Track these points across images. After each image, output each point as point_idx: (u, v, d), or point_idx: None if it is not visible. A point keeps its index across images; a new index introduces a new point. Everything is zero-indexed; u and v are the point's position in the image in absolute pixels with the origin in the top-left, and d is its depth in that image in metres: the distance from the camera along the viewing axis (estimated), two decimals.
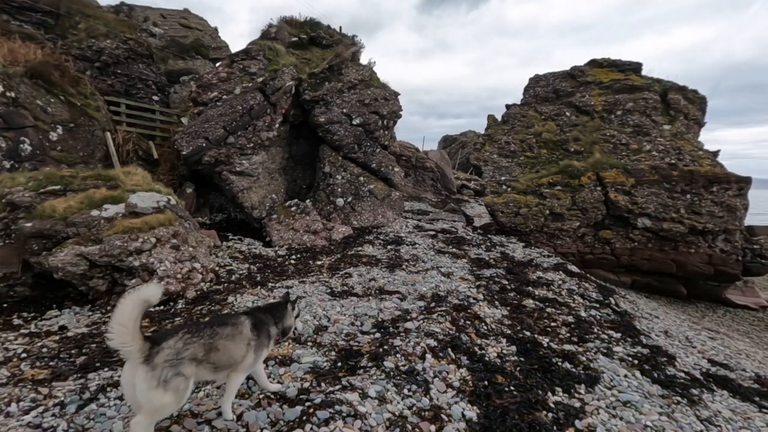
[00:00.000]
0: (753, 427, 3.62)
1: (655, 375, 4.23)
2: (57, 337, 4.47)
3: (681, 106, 13.32)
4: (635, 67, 14.66)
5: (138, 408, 2.23)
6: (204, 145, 9.21)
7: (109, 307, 5.36)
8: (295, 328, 3.46)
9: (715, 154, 12.70)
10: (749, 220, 12.07)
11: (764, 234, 16.26)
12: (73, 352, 4.03)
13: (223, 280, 6.50)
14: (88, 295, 5.50)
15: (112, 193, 6.13)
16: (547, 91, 15.15)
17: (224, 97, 9.84)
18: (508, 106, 15.93)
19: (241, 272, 7.00)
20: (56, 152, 8.80)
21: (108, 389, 3.17)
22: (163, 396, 2.18)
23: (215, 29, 22.20)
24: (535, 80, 15.77)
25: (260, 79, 10.13)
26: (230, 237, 9.44)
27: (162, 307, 5.30)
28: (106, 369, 3.60)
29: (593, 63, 15.23)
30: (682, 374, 4.44)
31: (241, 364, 2.60)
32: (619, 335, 5.26)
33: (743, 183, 11.18)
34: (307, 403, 2.89)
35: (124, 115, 11.33)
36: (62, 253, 5.25)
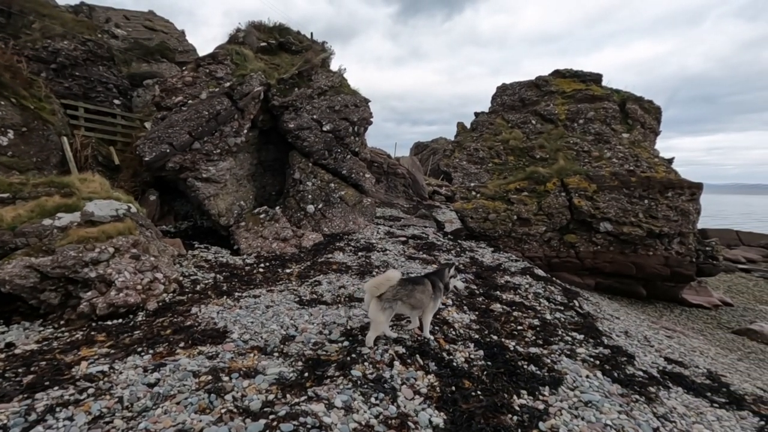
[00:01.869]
0: (705, 421, 3.81)
1: (616, 374, 4.38)
2: (2, 355, 4.18)
3: (638, 115, 13.98)
4: (596, 78, 15.30)
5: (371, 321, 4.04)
6: (168, 150, 8.93)
7: (62, 322, 5.08)
8: (455, 286, 4.90)
9: (670, 161, 13.39)
10: (702, 224, 12.76)
11: (716, 236, 17.25)
12: (20, 370, 3.78)
13: (187, 290, 6.28)
14: (39, 309, 5.19)
15: (66, 201, 5.84)
16: (513, 100, 15.57)
17: (189, 101, 9.60)
18: (476, 114, 16.26)
19: (206, 282, 6.79)
20: (6, 158, 8.33)
21: (57, 409, 2.99)
22: (382, 316, 3.92)
23: (182, 32, 21.65)
24: (502, 89, 16.19)
25: (227, 84, 9.94)
26: (196, 245, 9.16)
27: (120, 320, 5.07)
28: (56, 388, 3.38)
29: (557, 73, 15.79)
30: (641, 373, 4.62)
31: (428, 307, 4.29)
32: (582, 337, 5.42)
33: (695, 188, 11.82)
34: (271, 416, 2.82)
35: (83, 120, 10.85)
36: (10, 266, 4.94)
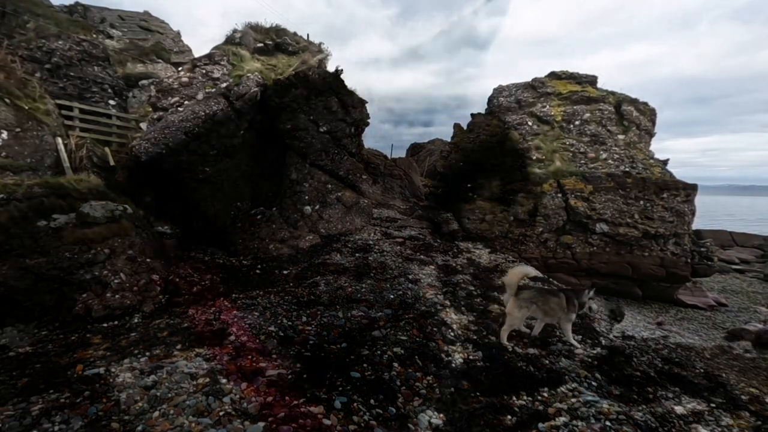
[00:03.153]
0: (703, 421, 3.81)
1: (613, 375, 4.39)
2: None
3: (633, 117, 14.07)
4: (591, 80, 15.38)
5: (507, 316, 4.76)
6: (164, 151, 8.87)
7: (57, 324, 5.03)
8: (590, 307, 5.12)
9: (665, 162, 13.47)
10: (696, 225, 12.83)
11: (710, 237, 17.37)
12: (14, 373, 3.73)
13: (183, 291, 6.23)
14: (34, 311, 5.13)
15: (61, 202, 5.78)
16: (510, 101, 15.62)
17: (186, 102, 9.55)
18: (473, 115, 16.29)
19: (203, 283, 6.74)
20: (0, 159, 8.24)
21: (53, 413, 2.95)
22: (518, 313, 4.67)
23: (178, 33, 21.57)
24: (499, 91, 16.24)
25: (224, 85, 9.90)
26: (192, 247, 9.10)
27: (116, 322, 5.02)
28: (51, 391, 3.35)
29: (553, 75, 15.86)
30: (638, 373, 4.63)
31: (561, 316, 4.81)
32: (579, 337, 5.42)
33: (690, 190, 11.91)
34: (270, 419, 2.80)
35: (78, 120, 10.76)
36: (4, 267, 4.88)
